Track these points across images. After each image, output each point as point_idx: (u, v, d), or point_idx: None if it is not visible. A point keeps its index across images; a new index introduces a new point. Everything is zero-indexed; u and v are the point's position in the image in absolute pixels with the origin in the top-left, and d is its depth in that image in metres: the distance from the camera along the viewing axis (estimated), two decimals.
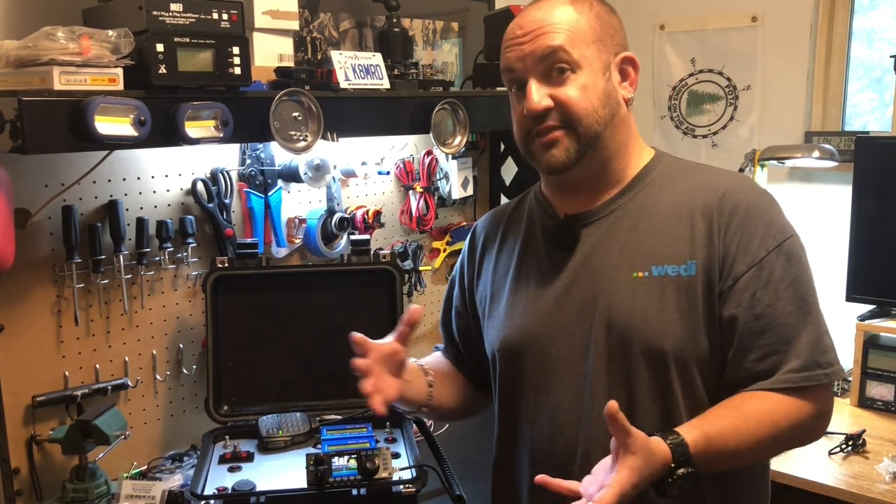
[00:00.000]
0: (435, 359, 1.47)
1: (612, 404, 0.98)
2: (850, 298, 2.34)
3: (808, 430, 1.15)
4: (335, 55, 1.73)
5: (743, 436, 1.08)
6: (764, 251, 1.12)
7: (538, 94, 1.15)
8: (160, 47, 1.36)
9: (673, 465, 1.03)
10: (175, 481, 1.67)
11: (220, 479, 1.53)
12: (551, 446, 1.21)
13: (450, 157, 2.36)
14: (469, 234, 1.43)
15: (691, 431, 1.06)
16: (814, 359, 1.11)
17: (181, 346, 1.86)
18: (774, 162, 2.44)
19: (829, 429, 2.08)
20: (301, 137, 1.62)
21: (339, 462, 1.47)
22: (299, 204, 2.07)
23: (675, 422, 1.12)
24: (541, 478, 1.06)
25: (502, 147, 2.59)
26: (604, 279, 1.17)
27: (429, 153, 2.36)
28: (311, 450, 1.64)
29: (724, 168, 1.27)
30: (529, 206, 1.33)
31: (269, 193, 1.95)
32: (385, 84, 1.80)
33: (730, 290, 1.12)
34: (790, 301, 1.12)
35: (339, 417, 1.77)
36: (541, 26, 1.15)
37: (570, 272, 1.21)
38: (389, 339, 1.21)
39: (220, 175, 1.87)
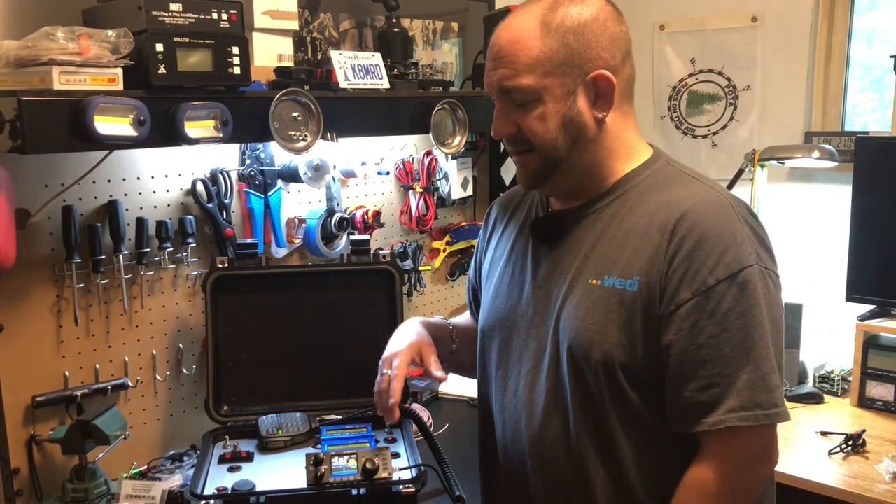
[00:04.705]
0: (464, 318, 1.56)
1: None
2: (850, 298, 2.34)
3: (748, 481, 1.13)
4: (335, 55, 1.73)
5: None
6: (713, 280, 1.08)
7: (501, 122, 1.18)
8: (160, 47, 1.36)
9: None
10: (175, 481, 1.67)
11: (219, 479, 1.53)
12: (504, 427, 1.28)
13: (449, 157, 2.36)
14: (488, 208, 1.48)
15: None
16: (753, 398, 1.08)
17: (181, 346, 1.86)
18: (774, 162, 2.44)
19: (829, 429, 2.12)
20: (301, 137, 1.62)
21: (339, 462, 1.47)
22: (299, 204, 2.07)
23: (605, 429, 1.14)
24: None
25: (502, 147, 2.59)
26: (567, 281, 1.19)
27: (428, 153, 2.36)
28: (311, 450, 1.63)
29: (706, 183, 1.20)
30: (534, 195, 1.35)
31: (269, 193, 1.95)
32: (385, 84, 1.80)
33: (671, 315, 1.10)
34: (737, 334, 1.08)
35: (339, 417, 1.77)
36: (504, 56, 1.14)
37: (545, 267, 1.24)
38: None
39: (220, 175, 1.87)
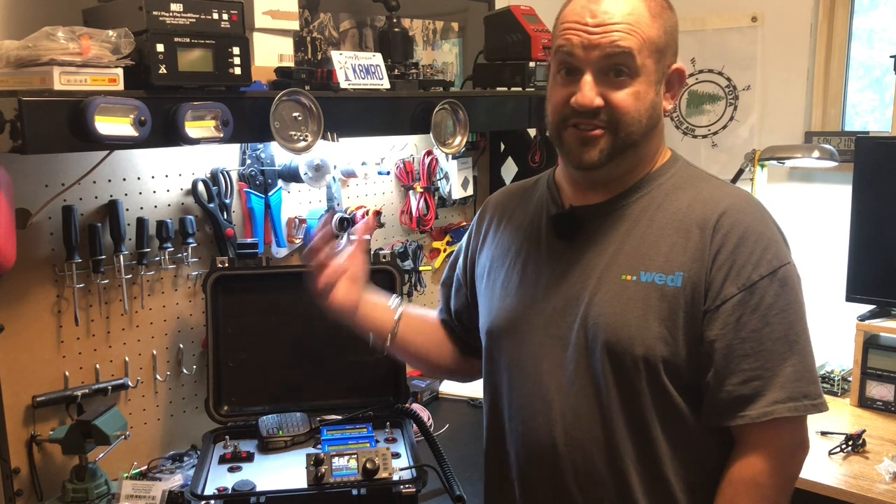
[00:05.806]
0: (422, 311, 1.54)
1: None
2: (850, 298, 2.34)
3: (792, 470, 1.16)
4: (335, 55, 1.72)
5: None
6: (757, 276, 1.11)
7: (592, 92, 1.12)
8: (160, 47, 1.35)
9: None
10: (175, 481, 1.67)
11: (220, 479, 1.53)
12: (522, 426, 1.24)
13: (450, 157, 2.36)
14: (482, 205, 1.45)
15: None
16: (800, 389, 1.11)
17: (181, 346, 1.86)
18: (774, 162, 2.44)
19: (829, 429, 2.12)
20: (301, 137, 1.62)
21: (339, 462, 1.47)
22: (299, 204, 2.07)
23: (643, 425, 1.14)
24: None
25: (502, 147, 2.59)
26: (593, 277, 1.18)
27: (429, 153, 2.36)
28: (311, 450, 1.64)
29: (731, 184, 1.26)
30: (541, 191, 1.34)
31: (270, 193, 1.95)
32: (385, 84, 1.80)
33: (716, 310, 1.12)
34: (779, 328, 1.11)
35: (339, 417, 1.77)
36: (616, 22, 1.11)
37: (563, 264, 1.22)
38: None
39: (221, 175, 1.87)
